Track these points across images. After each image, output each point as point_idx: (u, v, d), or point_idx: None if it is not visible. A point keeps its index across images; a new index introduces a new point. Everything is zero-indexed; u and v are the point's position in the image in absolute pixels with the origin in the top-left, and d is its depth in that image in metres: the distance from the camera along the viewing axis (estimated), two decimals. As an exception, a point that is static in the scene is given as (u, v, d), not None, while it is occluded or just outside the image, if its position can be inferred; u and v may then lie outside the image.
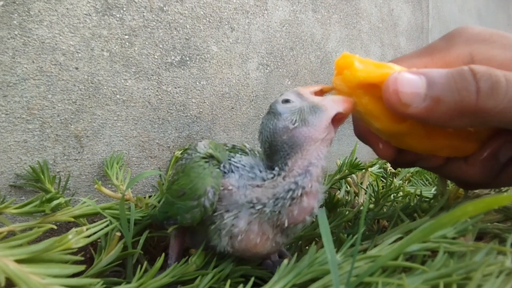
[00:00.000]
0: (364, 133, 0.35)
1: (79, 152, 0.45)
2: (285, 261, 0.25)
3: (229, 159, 0.31)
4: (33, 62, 0.41)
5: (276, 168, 0.28)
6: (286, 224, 0.27)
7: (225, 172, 0.29)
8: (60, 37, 0.43)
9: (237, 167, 0.30)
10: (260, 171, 0.29)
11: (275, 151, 0.28)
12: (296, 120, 0.28)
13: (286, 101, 0.29)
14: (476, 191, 0.45)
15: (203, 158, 0.30)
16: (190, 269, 0.30)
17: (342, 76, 0.29)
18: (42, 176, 0.40)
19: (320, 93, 0.31)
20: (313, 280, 0.23)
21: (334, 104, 0.28)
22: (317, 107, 0.28)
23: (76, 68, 0.45)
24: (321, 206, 0.49)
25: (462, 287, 0.20)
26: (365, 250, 0.27)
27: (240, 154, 0.32)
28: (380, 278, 0.21)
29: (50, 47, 0.42)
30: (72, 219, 0.34)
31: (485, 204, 0.17)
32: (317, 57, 0.80)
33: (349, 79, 0.29)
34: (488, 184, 0.33)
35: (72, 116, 0.45)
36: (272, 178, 0.28)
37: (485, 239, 0.33)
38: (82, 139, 0.45)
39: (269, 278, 0.27)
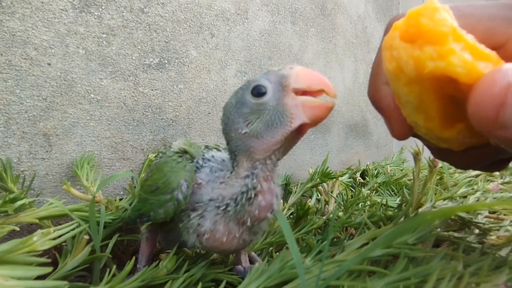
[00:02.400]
0: (386, 105, 0.26)
1: (47, 151, 0.43)
2: (257, 264, 0.26)
3: (203, 154, 0.31)
4: (2, 54, 0.40)
5: (234, 164, 0.28)
6: (249, 223, 0.28)
7: (197, 168, 0.30)
8: (33, 30, 0.42)
9: (209, 160, 0.30)
10: (227, 166, 0.29)
11: (227, 142, 0.29)
12: (249, 124, 0.26)
13: (259, 92, 0.26)
14: (439, 202, 0.48)
15: (177, 153, 0.31)
16: (160, 273, 0.30)
17: (417, 54, 0.19)
18: (5, 175, 0.38)
19: (312, 94, 0.26)
20: (284, 283, 0.24)
21: (302, 112, 0.25)
22: (283, 114, 0.25)
23: (49, 64, 0.43)
24: (291, 214, 0.51)
25: (419, 290, 0.22)
26: (333, 256, 0.29)
27: (215, 151, 0.32)
28: (346, 281, 0.22)
29: (22, 41, 0.41)
30: (37, 221, 0.33)
31: (442, 213, 0.19)
32: (294, 67, 0.83)
33: (427, 65, 0.19)
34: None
35: (41, 113, 0.43)
36: (231, 173, 0.28)
37: (442, 246, 0.36)
38: (51, 137, 0.44)
39: (239, 283, 0.28)
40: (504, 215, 0.50)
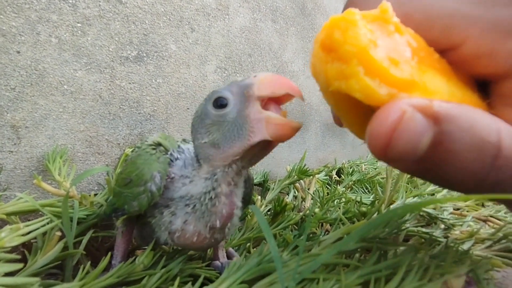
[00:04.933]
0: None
1: (15, 144, 0.41)
2: (235, 259, 0.26)
3: (178, 147, 0.31)
4: (-34, 40, 0.37)
5: (197, 165, 0.29)
6: (218, 225, 0.28)
7: (171, 160, 0.29)
8: (1, 16, 0.39)
9: (183, 152, 0.30)
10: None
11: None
12: (209, 135, 0.26)
13: (220, 103, 0.26)
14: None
15: (150, 145, 0.30)
16: (137, 269, 0.29)
17: (326, 68, 0.19)
18: (-32, 168, 0.36)
19: (281, 99, 0.26)
20: (262, 277, 0.24)
21: (265, 128, 0.24)
22: (242, 127, 0.25)
23: (18, 52, 0.41)
24: (269, 210, 0.51)
25: (389, 281, 0.23)
26: (309, 250, 0.29)
27: (191, 144, 0.32)
28: (322, 274, 0.23)
29: (-12, 26, 0.38)
30: (4, 216, 0.31)
31: (410, 208, 0.20)
32: (274, 65, 0.83)
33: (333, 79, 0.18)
34: None
35: (9, 104, 0.41)
36: (197, 172, 0.28)
37: (411, 240, 0.38)
38: (19, 129, 0.42)
39: (217, 279, 0.28)
40: (467, 211, 0.53)
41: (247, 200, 0.33)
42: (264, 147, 0.26)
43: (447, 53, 0.20)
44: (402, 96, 0.17)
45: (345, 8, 0.23)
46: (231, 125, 0.25)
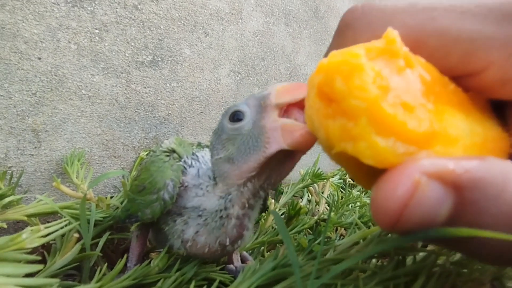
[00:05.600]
0: None
1: (35, 147, 0.43)
2: (249, 263, 0.26)
3: (193, 153, 0.31)
4: (-10, 48, 0.39)
5: (213, 182, 0.28)
6: (227, 243, 0.28)
7: (185, 168, 0.29)
8: (23, 24, 0.41)
9: (198, 160, 0.30)
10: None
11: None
12: (225, 150, 0.25)
13: (236, 118, 0.25)
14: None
15: (164, 152, 0.30)
16: (152, 272, 0.29)
17: (327, 124, 0.16)
18: (-9, 171, 0.37)
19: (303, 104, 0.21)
20: (277, 282, 0.24)
21: (281, 137, 0.23)
22: (258, 138, 0.23)
23: (39, 58, 0.42)
24: (283, 214, 0.51)
25: (409, 287, 0.22)
26: (324, 254, 0.29)
27: (206, 150, 0.32)
28: (339, 280, 0.23)
29: (11, 34, 0.40)
30: (25, 218, 0.32)
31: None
32: (287, 68, 0.83)
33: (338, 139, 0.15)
34: None
35: (30, 109, 0.42)
36: (212, 186, 0.28)
37: (430, 245, 0.36)
38: (40, 133, 0.43)
39: (231, 282, 0.28)
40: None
41: (263, 209, 0.33)
42: (283, 160, 0.25)
43: (464, 79, 0.18)
44: (422, 155, 0.14)
45: (339, 32, 0.20)
46: (246, 137, 0.24)
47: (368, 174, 0.16)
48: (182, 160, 0.30)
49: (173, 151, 0.31)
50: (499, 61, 0.16)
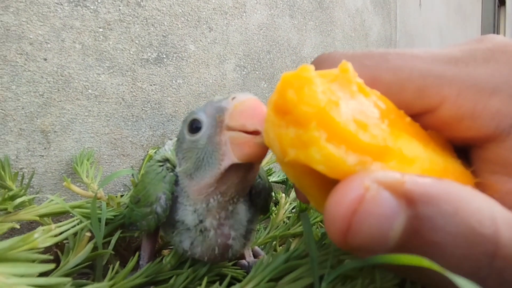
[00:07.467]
0: None
1: (45, 148, 0.43)
2: (261, 257, 0.25)
3: None
4: (-3, 50, 0.39)
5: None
6: (217, 252, 0.27)
7: (177, 177, 0.27)
8: (28, 25, 0.41)
9: None
10: None
11: None
12: (184, 161, 0.25)
13: (195, 127, 0.24)
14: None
15: (158, 161, 0.29)
16: (164, 269, 0.29)
17: (280, 134, 0.15)
18: (3, 173, 0.38)
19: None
20: (289, 273, 0.23)
21: (231, 151, 0.22)
22: (212, 154, 0.22)
23: (45, 59, 0.42)
24: (293, 208, 0.51)
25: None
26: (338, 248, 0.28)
27: None
28: (354, 272, 0.22)
29: (16, 35, 0.40)
30: (37, 218, 0.32)
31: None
32: (293, 61, 0.82)
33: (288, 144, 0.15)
34: None
35: (38, 110, 0.42)
36: (183, 198, 0.27)
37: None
38: (49, 134, 0.43)
39: (244, 278, 0.27)
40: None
41: (265, 211, 0.32)
42: (242, 174, 0.23)
43: (421, 117, 0.18)
44: (375, 167, 0.14)
45: (317, 61, 0.21)
46: (201, 152, 0.23)
47: (320, 190, 0.16)
48: (176, 169, 0.28)
49: (167, 160, 0.29)
50: (451, 97, 0.17)
